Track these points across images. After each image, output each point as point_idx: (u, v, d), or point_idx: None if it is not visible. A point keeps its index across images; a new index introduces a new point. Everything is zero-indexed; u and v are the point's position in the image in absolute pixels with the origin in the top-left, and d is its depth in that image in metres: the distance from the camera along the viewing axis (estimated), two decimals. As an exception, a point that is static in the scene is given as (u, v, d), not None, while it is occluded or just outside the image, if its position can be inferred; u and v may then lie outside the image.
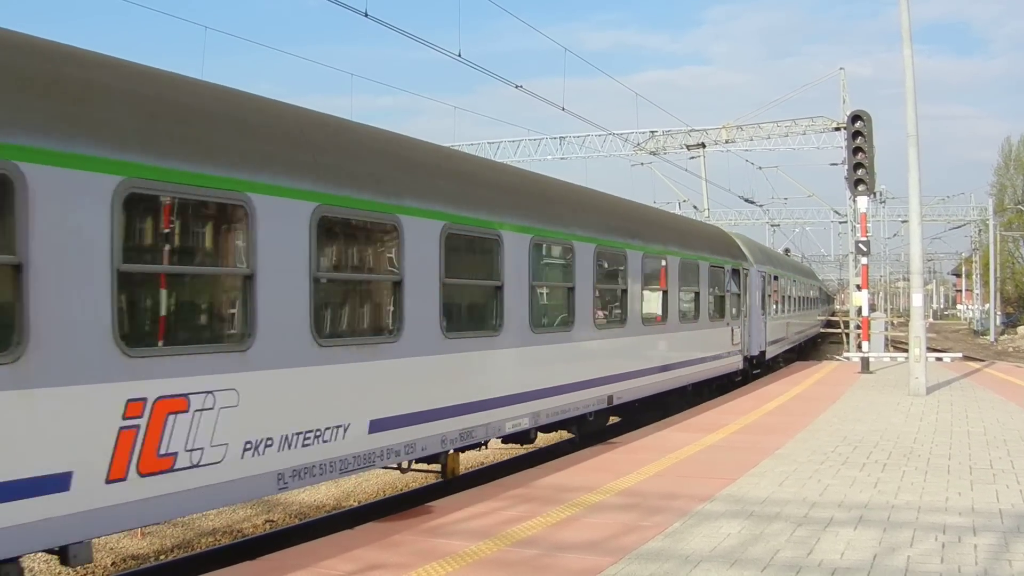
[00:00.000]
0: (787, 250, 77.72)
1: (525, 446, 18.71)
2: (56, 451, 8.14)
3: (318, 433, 11.14)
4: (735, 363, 30.76)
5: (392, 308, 12.72)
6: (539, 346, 16.59)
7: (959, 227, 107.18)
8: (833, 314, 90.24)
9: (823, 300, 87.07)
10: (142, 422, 8.87)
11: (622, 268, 20.49)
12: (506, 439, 16.69)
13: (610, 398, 19.64)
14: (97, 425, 8.52)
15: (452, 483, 14.40)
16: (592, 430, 19.74)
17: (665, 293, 23.29)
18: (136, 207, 9.08)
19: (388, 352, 12.51)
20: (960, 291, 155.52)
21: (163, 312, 10.06)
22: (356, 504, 18.38)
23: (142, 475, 8.86)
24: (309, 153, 11.45)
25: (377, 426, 12.20)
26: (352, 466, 11.85)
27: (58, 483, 8.13)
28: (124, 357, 8.68)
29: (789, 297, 46.13)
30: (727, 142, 59.58)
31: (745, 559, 9.39)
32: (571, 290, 17.76)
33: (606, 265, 19.74)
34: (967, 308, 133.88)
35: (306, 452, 10.93)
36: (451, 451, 14.30)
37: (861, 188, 31.43)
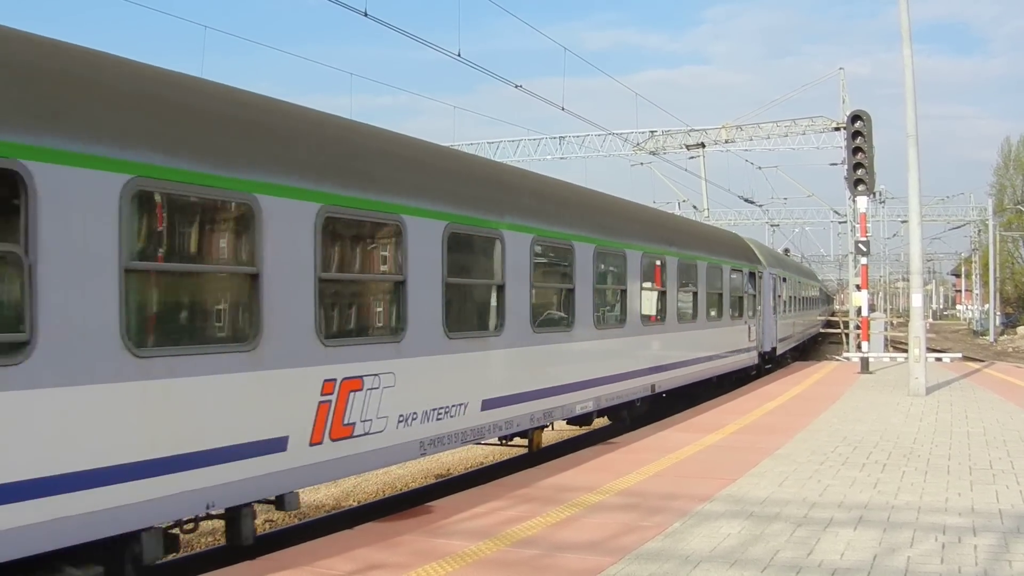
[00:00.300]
0: (787, 250, 77.71)
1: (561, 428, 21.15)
2: (278, 420, 10.46)
3: (447, 409, 13.64)
4: (752, 358, 33.18)
5: (497, 307, 15.23)
6: (600, 340, 19.12)
7: (959, 227, 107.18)
8: (833, 314, 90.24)
9: (823, 300, 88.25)
10: (333, 398, 11.28)
11: (661, 273, 23.01)
12: (573, 420, 19.33)
13: (653, 387, 22.16)
14: (305, 399, 10.89)
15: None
16: (638, 414, 21.99)
17: (695, 294, 25.78)
18: (331, 230, 11.50)
19: (494, 344, 15.14)
20: (960, 291, 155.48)
21: (347, 311, 12.70)
22: (355, 504, 18.37)
23: (333, 440, 11.27)
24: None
25: (486, 405, 14.77)
26: (468, 438, 14.50)
27: (278, 445, 10.46)
28: (322, 347, 11.07)
29: (794, 298, 48.24)
30: (727, 142, 59.58)
31: (745, 559, 9.39)
32: (624, 292, 20.31)
33: (648, 270, 22.09)
34: (966, 308, 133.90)
35: (439, 425, 13.42)
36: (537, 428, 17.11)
37: (861, 188, 31.43)
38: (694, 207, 64.87)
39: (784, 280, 42.49)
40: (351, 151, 12.59)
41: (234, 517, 10.19)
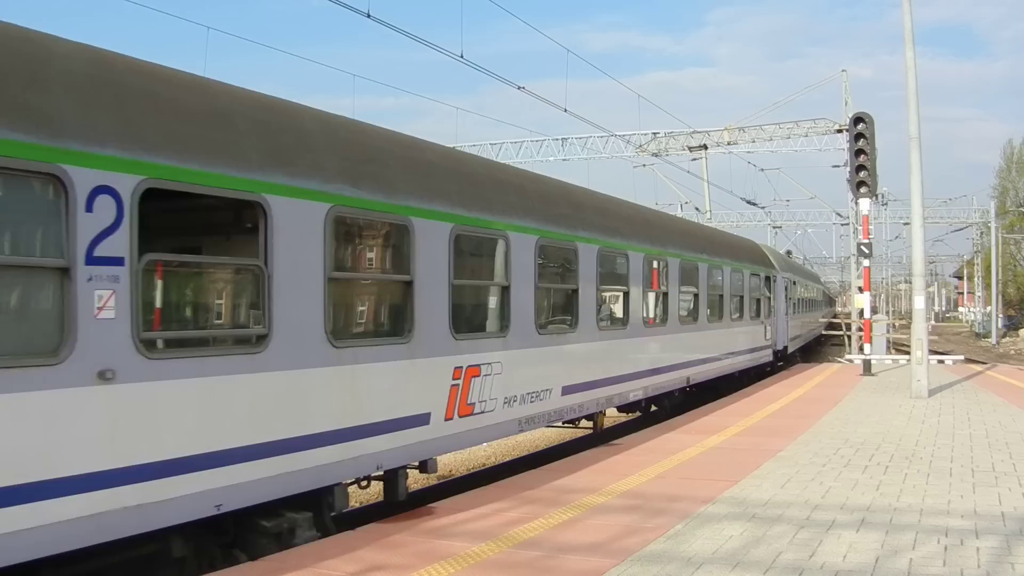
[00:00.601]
0: (789, 252, 77.69)
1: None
2: (423, 399, 13.07)
3: (537, 393, 16.38)
4: (767, 355, 36.34)
5: (573, 307, 17.94)
6: (647, 338, 22.32)
7: (961, 229, 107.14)
8: (835, 316, 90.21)
9: (826, 302, 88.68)
10: (460, 382, 13.91)
11: (695, 278, 26.06)
12: (625, 407, 22.90)
13: (688, 379, 25.22)
14: (442, 382, 13.52)
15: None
16: (675, 403, 25.00)
17: (721, 297, 28.94)
18: (459, 246, 14.02)
19: (570, 339, 17.85)
20: (962, 293, 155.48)
21: (469, 310, 15.14)
22: (357, 505, 18.35)
23: (460, 416, 13.91)
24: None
25: (565, 391, 17.51)
26: (552, 418, 17.32)
27: (424, 420, 13.05)
28: (454, 340, 13.68)
29: (801, 300, 51.79)
30: (729, 144, 59.62)
31: (747, 561, 9.39)
32: (666, 295, 23.46)
33: (684, 275, 25.01)
34: (969, 310, 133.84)
35: (532, 406, 16.21)
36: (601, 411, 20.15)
37: (863, 190, 31.47)
38: (696, 209, 64.84)
39: (794, 283, 46.13)
40: (475, 181, 15.41)
41: (392, 478, 12.86)
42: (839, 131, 54.16)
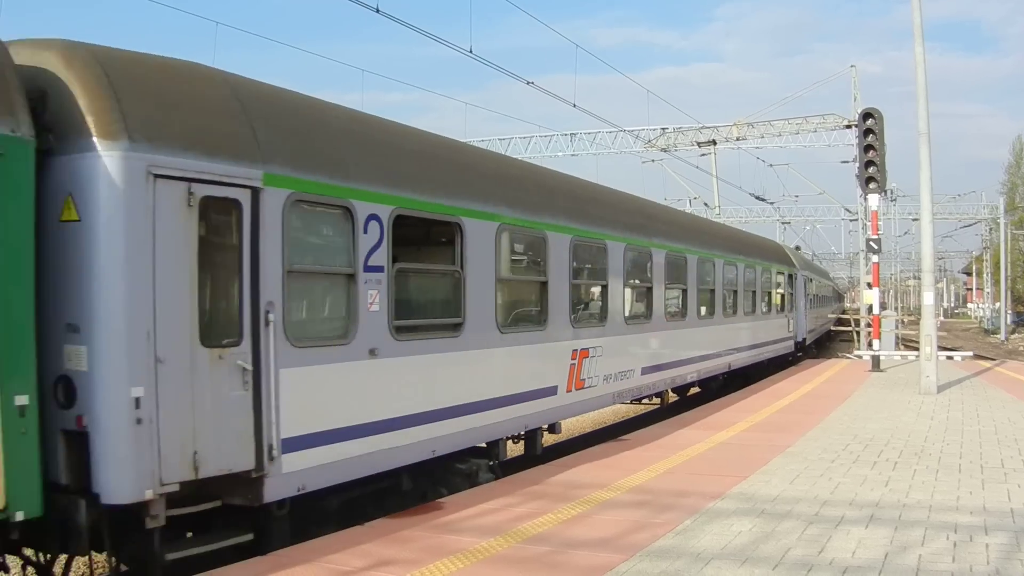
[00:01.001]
0: (798, 247, 77.69)
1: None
2: (553, 374, 16.72)
3: (625, 373, 19.99)
4: (790, 346, 40.21)
5: (650, 302, 21.78)
6: (700, 328, 25.76)
7: (970, 225, 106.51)
8: (843, 312, 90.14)
9: (836, 298, 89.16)
10: (576, 362, 17.53)
11: (734, 275, 29.92)
12: (680, 388, 26.75)
13: (729, 365, 29.04)
14: (564, 362, 17.17)
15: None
16: (716, 386, 29.04)
17: (754, 293, 32.58)
18: (576, 251, 17.74)
19: (647, 328, 21.59)
20: (971, 289, 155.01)
21: (580, 304, 18.67)
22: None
23: (576, 390, 17.55)
24: None
25: (643, 372, 21.22)
26: (633, 395, 21.39)
27: (553, 391, 16.66)
28: (572, 328, 17.39)
29: (816, 296, 55.26)
30: (738, 139, 59.56)
31: (756, 557, 9.39)
32: (712, 291, 27.22)
33: (727, 274, 28.90)
34: (978, 307, 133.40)
35: (621, 384, 19.83)
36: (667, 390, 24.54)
37: (872, 186, 31.38)
38: (705, 204, 64.87)
39: (810, 280, 49.75)
40: (590, 197, 19.97)
41: (532, 436, 16.36)
42: (848, 127, 54.13)
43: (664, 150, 60.67)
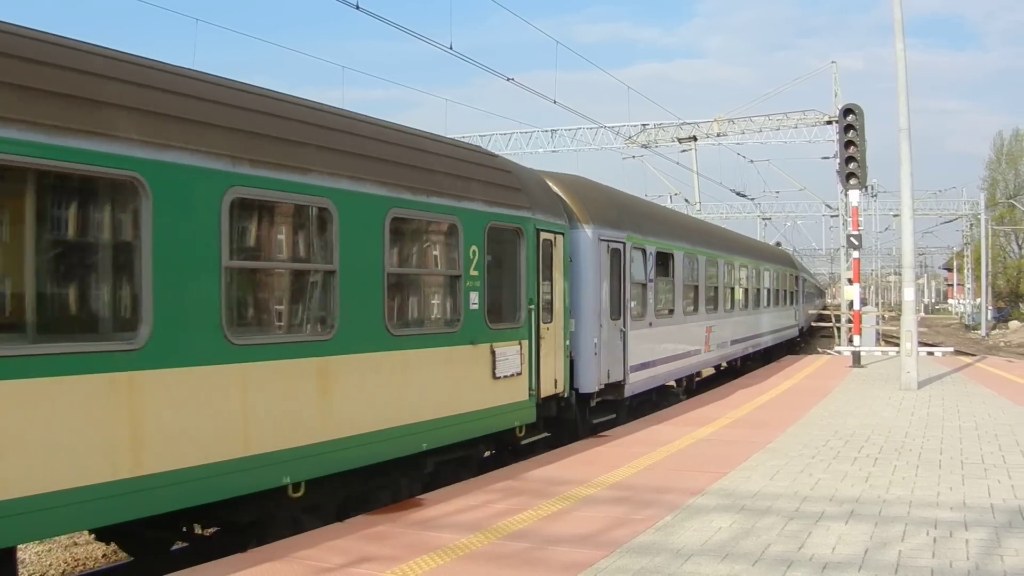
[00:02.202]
0: (778, 243, 77.85)
1: None
2: (697, 342, 27.83)
3: (723, 343, 31.31)
4: (796, 332, 52.88)
5: (732, 297, 32.47)
6: (742, 316, 35.46)
7: (951, 221, 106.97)
8: (824, 308, 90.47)
9: (819, 294, 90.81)
10: (707, 334, 28.98)
11: (762, 277, 40.65)
12: (734, 361, 36.15)
13: (758, 345, 39.39)
14: (702, 333, 28.50)
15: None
16: (750, 361, 38.65)
17: (770, 290, 42.90)
18: (684, 260, 27.79)
19: (722, 316, 31.26)
20: (951, 285, 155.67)
21: (708, 297, 28.93)
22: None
23: (706, 352, 28.97)
24: None
25: (731, 343, 32.98)
26: (724, 358, 33.07)
27: (697, 352, 28.10)
28: (705, 313, 28.57)
29: (807, 292, 64.67)
30: (718, 135, 59.53)
31: (736, 553, 9.39)
32: (758, 290, 39.01)
33: (759, 277, 39.62)
34: (958, 302, 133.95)
35: (723, 351, 31.97)
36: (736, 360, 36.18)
37: (853, 182, 31.50)
38: (686, 200, 65.00)
39: (805, 280, 61.55)
40: (707, 230, 33.52)
41: (682, 382, 27.20)
42: (829, 122, 54.16)
43: (645, 146, 60.70)
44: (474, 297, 14.55)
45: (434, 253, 14.51)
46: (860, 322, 35.62)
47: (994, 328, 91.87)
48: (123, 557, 13.86)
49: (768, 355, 41.11)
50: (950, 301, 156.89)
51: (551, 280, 17.31)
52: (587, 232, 18.76)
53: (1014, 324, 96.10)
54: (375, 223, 12.27)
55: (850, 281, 36.81)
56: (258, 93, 11.42)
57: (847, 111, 31.72)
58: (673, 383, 26.18)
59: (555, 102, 38.18)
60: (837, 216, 63.01)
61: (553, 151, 63.09)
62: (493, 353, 14.96)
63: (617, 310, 20.21)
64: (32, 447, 8.07)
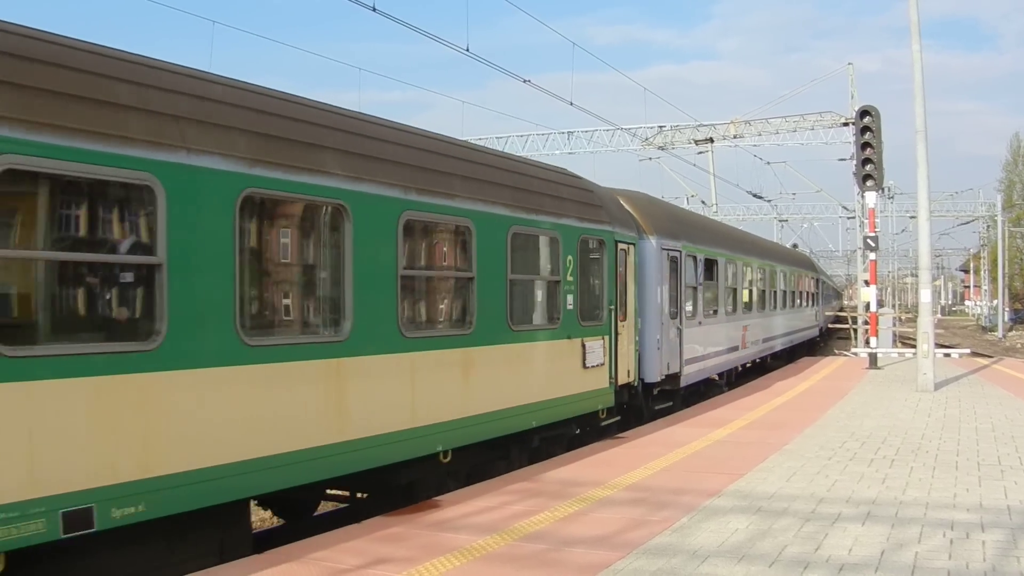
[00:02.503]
0: (795, 245, 77.76)
1: None
2: (735, 339, 31.11)
3: (757, 340, 35.06)
4: (816, 332, 56.66)
5: (758, 297, 35.11)
6: (777, 316, 40.06)
7: (968, 223, 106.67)
8: (841, 309, 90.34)
9: (835, 296, 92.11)
10: (744, 332, 32.47)
11: (792, 281, 44.81)
12: (775, 355, 40.54)
13: (791, 340, 44.31)
14: (739, 332, 31.69)
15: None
16: (777, 360, 41.67)
17: (801, 293, 48.18)
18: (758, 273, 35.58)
19: (756, 316, 34.52)
20: (968, 287, 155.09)
21: (748, 298, 33.69)
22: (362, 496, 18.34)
23: (743, 348, 32.54)
24: None
25: (765, 340, 36.92)
26: (761, 354, 36.70)
27: (736, 348, 31.42)
28: (743, 313, 32.44)
29: (825, 294, 67.82)
30: (735, 137, 59.53)
31: (753, 554, 9.38)
32: (784, 292, 42.16)
33: (785, 280, 42.91)
34: (975, 304, 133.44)
35: (762, 346, 36.49)
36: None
37: (869, 183, 31.39)
38: (703, 202, 64.96)
39: (823, 283, 65.54)
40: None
41: (723, 376, 30.03)
42: (845, 124, 54.10)
43: (661, 148, 60.70)
44: (570, 299, 17.14)
45: (542, 262, 16.74)
46: (877, 324, 35.55)
47: (1011, 330, 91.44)
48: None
49: (792, 353, 44.27)
50: (967, 303, 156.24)
51: (625, 284, 20.27)
52: (652, 242, 22.07)
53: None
54: (501, 240, 14.92)
55: (867, 283, 36.89)
56: (422, 135, 14.00)
57: (863, 113, 31.64)
58: (716, 376, 29.43)
59: (572, 104, 38.29)
60: (854, 218, 62.98)
61: (570, 153, 63.16)
62: (583, 346, 17.64)
63: (675, 310, 23.62)
64: (273, 418, 10.25)
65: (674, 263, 23.47)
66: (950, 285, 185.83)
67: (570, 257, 17.15)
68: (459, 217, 13.80)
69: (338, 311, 11.44)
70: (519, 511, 11.56)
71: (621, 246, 19.75)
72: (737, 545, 9.76)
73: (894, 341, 47.22)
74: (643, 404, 21.74)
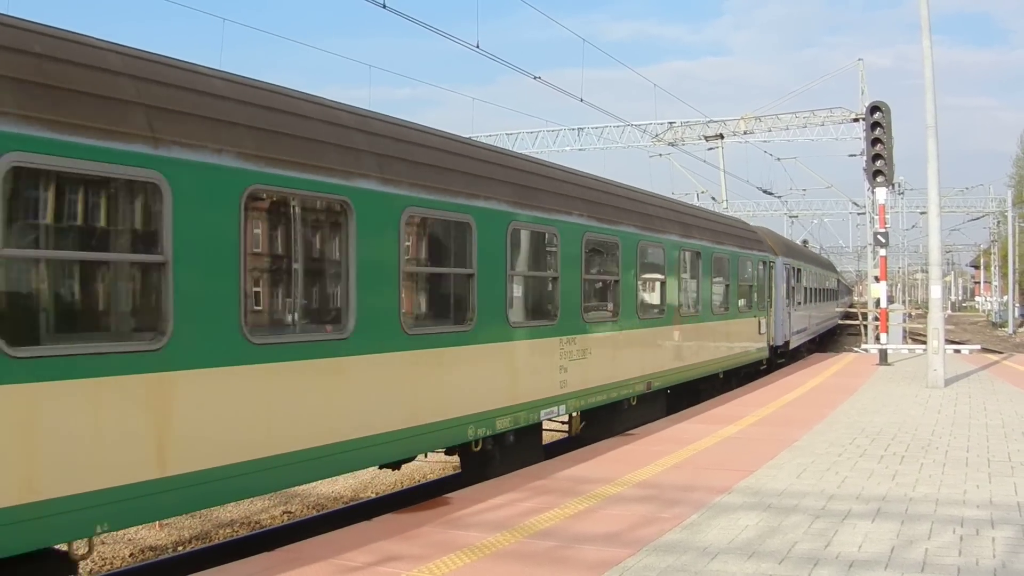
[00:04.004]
0: (805, 241, 77.75)
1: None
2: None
3: (797, 330, 40.46)
4: (837, 321, 66.94)
5: (811, 294, 47.32)
6: (819, 307, 50.84)
7: (978, 219, 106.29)
8: (851, 305, 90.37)
9: (846, 292, 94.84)
10: (810, 317, 46.82)
11: (824, 280, 53.92)
12: (804, 344, 45.79)
13: (816, 332, 49.98)
14: (807, 317, 45.10)
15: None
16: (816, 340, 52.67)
17: (826, 289, 55.18)
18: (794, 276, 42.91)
19: (810, 307, 46.45)
20: (978, 283, 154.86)
21: (797, 296, 42.29)
22: (374, 495, 18.42)
23: (808, 328, 45.99)
24: None
25: (797, 332, 40.28)
26: (799, 341, 42.08)
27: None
28: (807, 306, 45.55)
29: (841, 290, 78.55)
30: (745, 133, 59.31)
31: (763, 551, 9.38)
32: (812, 289, 47.13)
33: (823, 280, 52.76)
34: (985, 300, 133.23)
35: (796, 336, 40.04)
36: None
37: (880, 179, 31.40)
38: (713, 198, 64.62)
39: (839, 281, 75.71)
40: (793, 245, 48.70)
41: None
42: (855, 120, 53.92)
43: (671, 144, 60.47)
44: (756, 295, 30.65)
45: (747, 275, 29.69)
46: (887, 320, 35.52)
47: (1021, 326, 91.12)
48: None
49: (822, 339, 57.38)
50: (977, 299, 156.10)
51: (770, 285, 33.05)
52: (780, 260, 35.29)
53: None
54: (709, 261, 25.26)
55: (877, 279, 36.73)
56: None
57: (874, 109, 31.66)
58: (799, 346, 42.17)
59: (582, 100, 38.48)
60: (864, 214, 62.83)
61: (580, 149, 63.07)
62: (760, 322, 31.24)
63: (788, 301, 37.09)
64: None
65: (788, 272, 37.11)
66: (960, 281, 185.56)
67: (760, 270, 31.31)
68: (695, 250, 23.85)
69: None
70: (529, 508, 11.57)
71: (769, 263, 32.84)
72: (747, 542, 9.76)
73: (904, 337, 47.20)
74: (773, 359, 34.13)
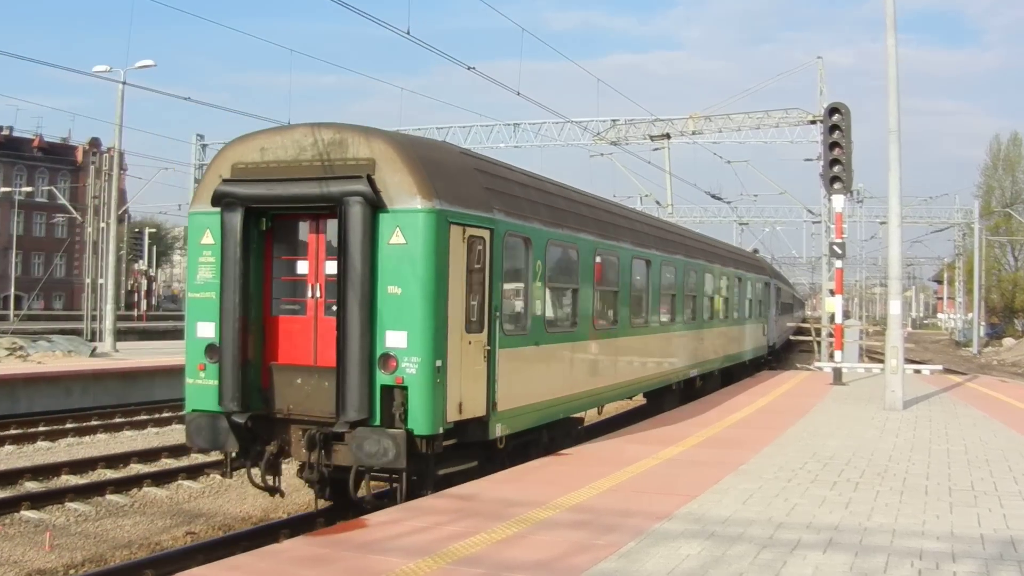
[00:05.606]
0: (755, 250, 78.42)
1: None
2: (760, 335, 46.48)
3: (780, 336, 61.32)
4: (796, 327, 79.90)
5: (778, 306, 59.28)
6: (781, 321, 61.93)
7: (942, 230, 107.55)
8: (804, 320, 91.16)
9: (799, 305, 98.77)
10: (777, 323, 57.88)
11: (788, 296, 72.89)
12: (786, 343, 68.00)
13: (789, 335, 72.79)
14: (760, 333, 48.88)
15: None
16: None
17: (785, 303, 62.45)
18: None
19: (776, 319, 57.37)
20: (942, 299, 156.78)
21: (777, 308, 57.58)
22: (285, 516, 18.24)
23: (780, 333, 63.35)
24: None
25: (777, 336, 57.98)
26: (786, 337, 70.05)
27: (768, 340, 50.24)
28: (771, 316, 55.32)
29: (796, 303, 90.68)
30: (694, 133, 59.64)
31: (706, 583, 9.40)
32: (783, 303, 63.24)
33: (791, 296, 77.85)
34: (949, 317, 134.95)
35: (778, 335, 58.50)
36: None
37: (837, 186, 31.58)
38: (657, 202, 65.02)
39: (794, 296, 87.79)
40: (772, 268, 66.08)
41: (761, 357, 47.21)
42: (812, 122, 54.40)
43: (614, 143, 60.69)
44: (761, 307, 43.88)
45: (758, 293, 42.73)
46: (842, 336, 35.85)
47: (987, 345, 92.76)
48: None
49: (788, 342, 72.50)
50: (940, 316, 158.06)
51: (769, 298, 44.97)
52: (772, 282, 48.54)
53: (1008, 341, 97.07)
54: (734, 282, 37.44)
55: (832, 292, 37.02)
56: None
57: (833, 110, 31.87)
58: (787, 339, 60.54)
59: (519, 94, 38.21)
60: (819, 223, 63.26)
61: (516, 146, 62.98)
62: (763, 326, 44.42)
63: (775, 311, 50.21)
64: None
65: (774, 290, 50.64)
66: (922, 296, 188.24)
67: (760, 287, 43.01)
68: (738, 276, 36.18)
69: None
70: (453, 532, 11.53)
71: (767, 283, 44.86)
72: (688, 572, 9.80)
73: (860, 355, 47.63)
74: (769, 357, 46.35)
